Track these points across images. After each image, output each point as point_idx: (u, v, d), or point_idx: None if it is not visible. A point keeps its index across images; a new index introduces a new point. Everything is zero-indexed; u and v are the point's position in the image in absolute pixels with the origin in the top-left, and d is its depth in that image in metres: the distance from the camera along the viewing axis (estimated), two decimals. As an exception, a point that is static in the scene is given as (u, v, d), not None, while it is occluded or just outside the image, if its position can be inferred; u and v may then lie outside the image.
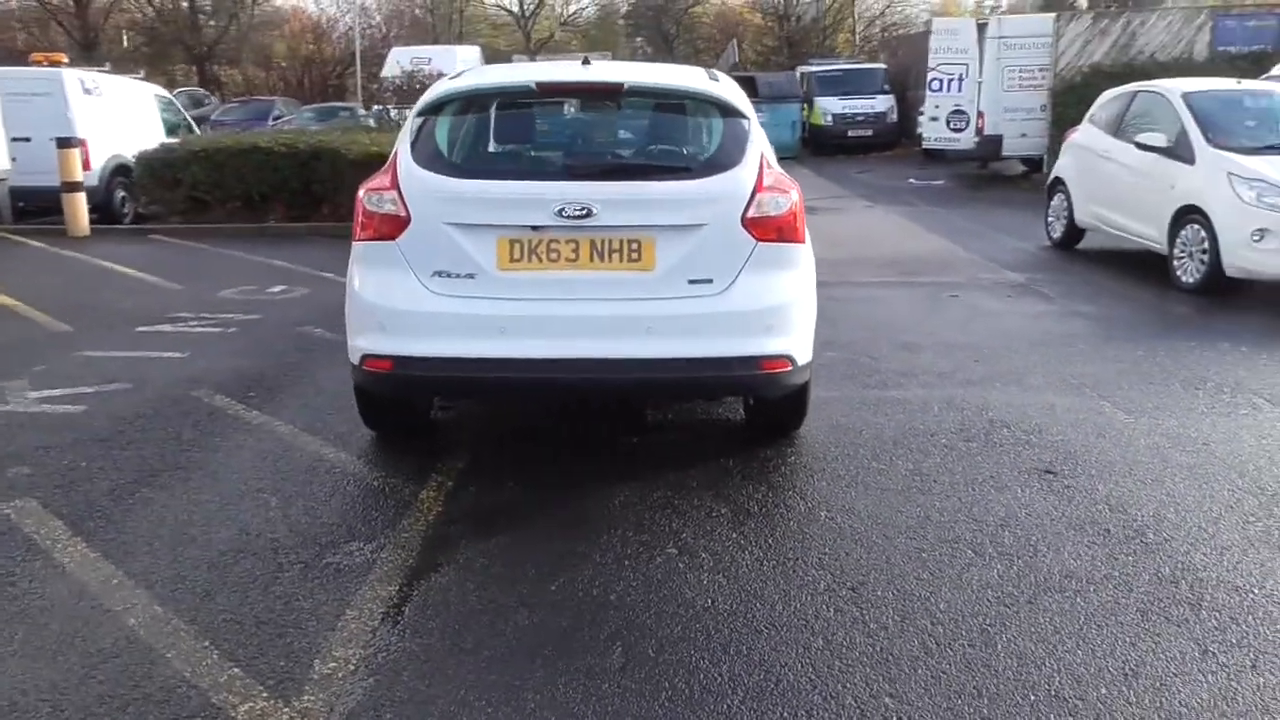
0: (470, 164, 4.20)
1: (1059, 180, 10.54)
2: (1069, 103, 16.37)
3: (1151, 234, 8.83)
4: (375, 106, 18.21)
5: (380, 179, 4.17)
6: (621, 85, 4.26)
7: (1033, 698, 2.75)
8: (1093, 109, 10.41)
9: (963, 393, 5.45)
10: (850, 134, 23.62)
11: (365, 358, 4.10)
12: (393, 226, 4.04)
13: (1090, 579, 3.40)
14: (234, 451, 4.63)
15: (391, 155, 4.32)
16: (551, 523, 3.88)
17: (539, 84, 4.27)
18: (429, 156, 4.12)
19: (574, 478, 4.31)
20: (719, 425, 5.01)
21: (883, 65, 25.03)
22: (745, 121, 4.28)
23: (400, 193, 4.03)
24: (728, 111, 4.29)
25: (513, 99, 4.35)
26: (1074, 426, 4.91)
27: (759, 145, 4.20)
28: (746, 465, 4.42)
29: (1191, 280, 8.20)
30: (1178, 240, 8.40)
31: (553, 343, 3.95)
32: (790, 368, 4.14)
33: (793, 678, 2.84)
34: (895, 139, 23.60)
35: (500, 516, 3.96)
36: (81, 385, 5.58)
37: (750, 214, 4.02)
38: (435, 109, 4.28)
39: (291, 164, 12.14)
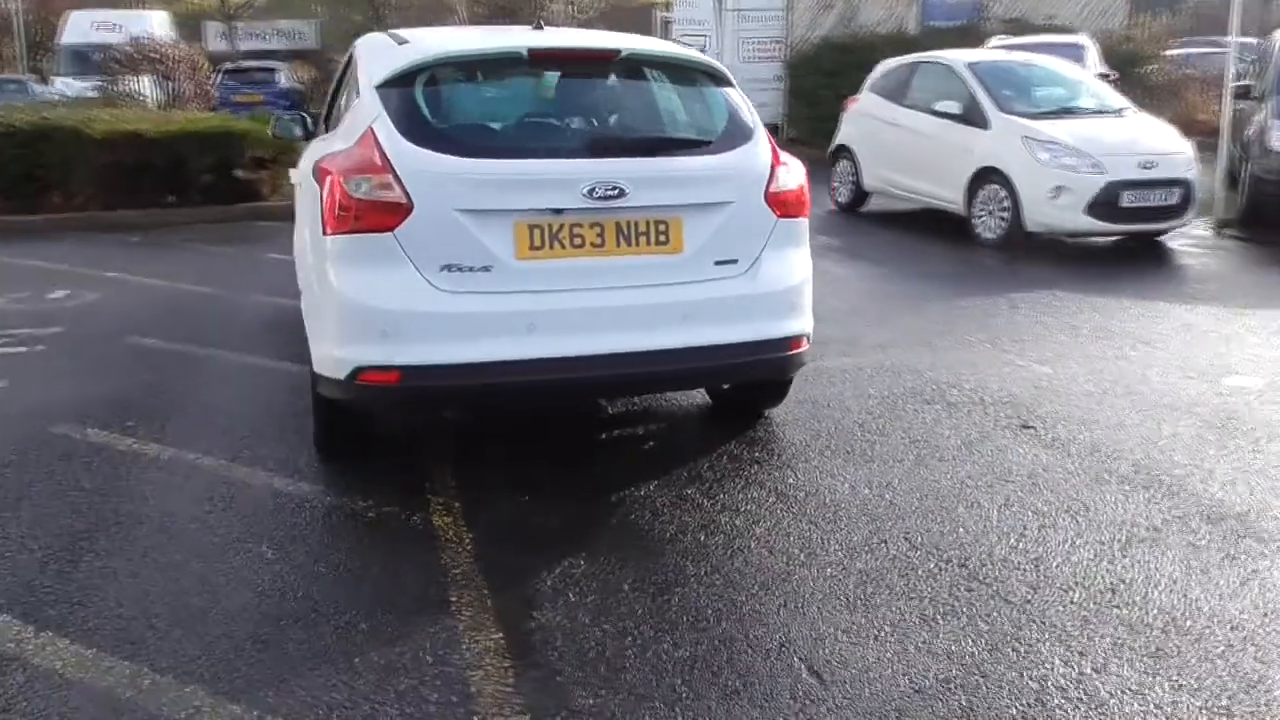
0: (477, 140, 3.67)
1: (844, 147, 11.02)
2: (804, 73, 17.31)
3: (946, 195, 9.43)
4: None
5: (354, 159, 3.54)
6: (618, 52, 3.89)
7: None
8: (872, 78, 10.95)
9: (887, 358, 5.56)
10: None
11: (361, 370, 3.51)
12: (388, 215, 3.46)
13: (1156, 526, 3.54)
14: (166, 495, 3.84)
15: (353, 130, 3.70)
16: (600, 533, 3.52)
17: (531, 50, 3.80)
18: (422, 132, 3.55)
19: (574, 481, 3.96)
20: (680, 412, 4.78)
21: (606, 36, 25.13)
22: (736, 92, 4.06)
23: (396, 175, 3.45)
24: (721, 81, 4.04)
25: (500, 67, 3.85)
26: (1011, 381, 5.12)
27: (757, 117, 4.00)
28: (751, 449, 4.25)
29: (992, 236, 8.85)
30: (976, 200, 9.03)
31: (584, 338, 3.56)
32: (807, 346, 4.02)
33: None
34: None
35: (539, 533, 3.54)
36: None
37: (771, 189, 3.83)
38: (407, 78, 3.70)
39: (9, 146, 10.37)
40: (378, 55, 4.00)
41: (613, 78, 3.96)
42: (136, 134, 10.02)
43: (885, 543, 3.44)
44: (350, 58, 4.81)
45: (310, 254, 3.84)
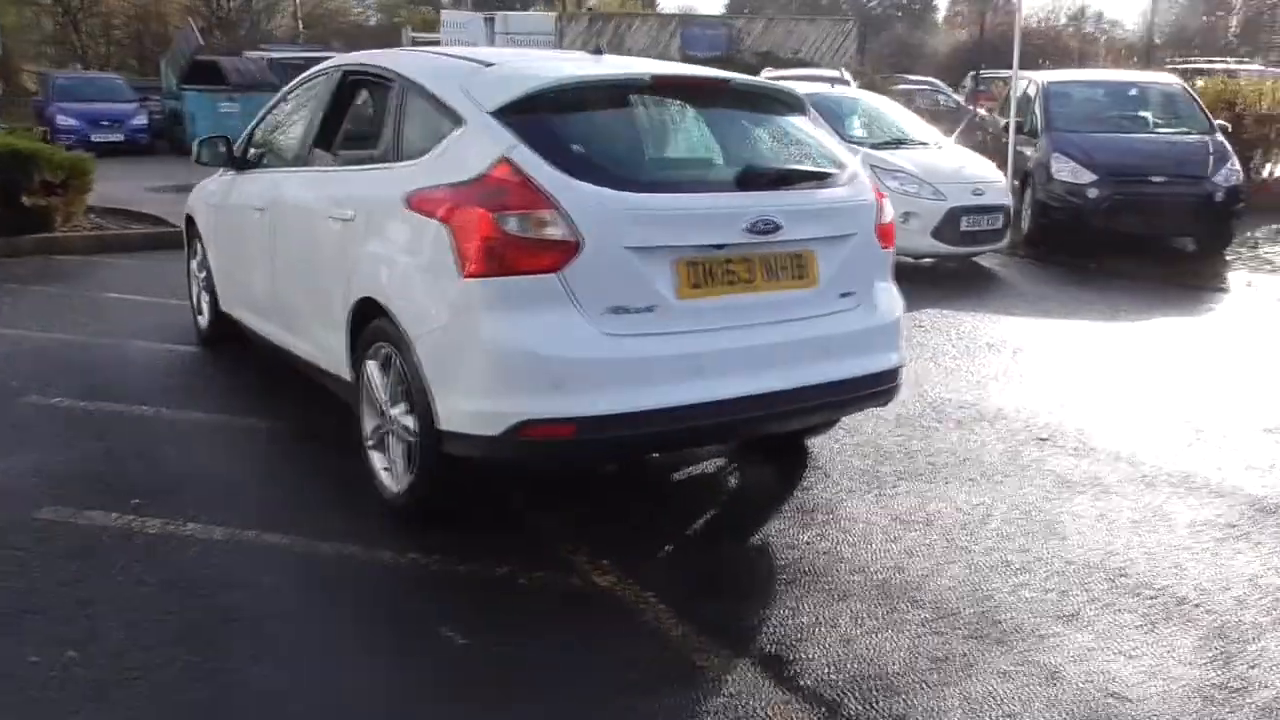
0: (632, 173, 3.43)
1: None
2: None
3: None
4: None
5: (500, 193, 3.22)
6: (727, 81, 3.79)
7: None
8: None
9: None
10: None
11: (526, 425, 3.19)
12: (555, 255, 3.18)
13: (1234, 524, 3.94)
14: (262, 583, 3.29)
15: (464, 160, 3.36)
16: (762, 571, 3.44)
17: (655, 78, 3.61)
18: (574, 164, 3.29)
19: (682, 522, 3.86)
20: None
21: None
22: (816, 119, 4.09)
23: (563, 211, 3.17)
24: (805, 109, 4.05)
25: (623, 94, 3.63)
26: (985, 395, 5.48)
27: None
28: (798, 476, 4.28)
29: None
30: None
31: (746, 378, 3.44)
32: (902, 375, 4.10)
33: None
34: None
35: (711, 580, 3.39)
36: None
37: (880, 221, 3.89)
38: (530, 105, 3.42)
39: None
40: (465, 77, 3.65)
41: (728, 108, 3.86)
42: (15, 150, 8.47)
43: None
44: (368, 77, 4.37)
45: (420, 299, 3.43)
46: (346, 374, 4.03)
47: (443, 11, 21.85)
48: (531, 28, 17.97)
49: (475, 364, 3.26)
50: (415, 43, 22.40)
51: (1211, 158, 10.26)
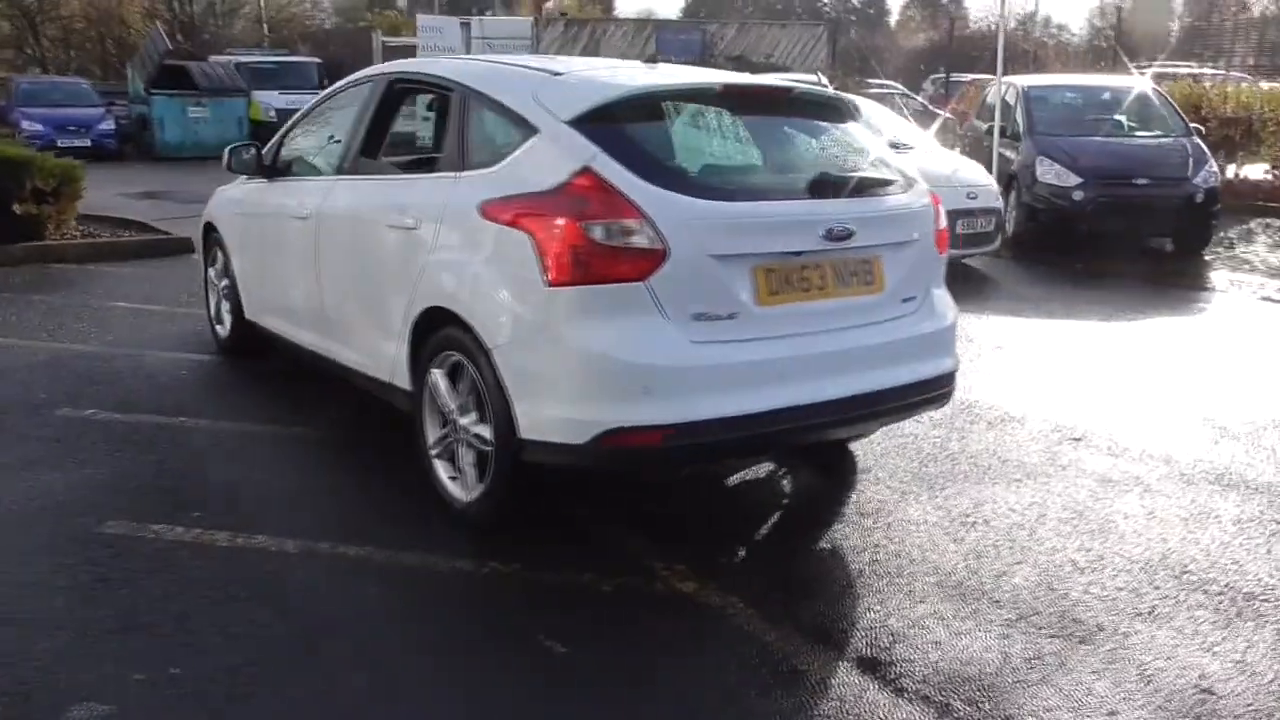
0: (712, 181, 3.48)
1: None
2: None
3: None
4: None
5: (584, 202, 3.23)
6: (790, 90, 3.84)
7: None
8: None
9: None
10: (297, 130, 22.21)
11: (613, 433, 3.21)
12: (642, 263, 3.21)
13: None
14: (359, 598, 3.28)
15: (542, 168, 3.38)
16: (845, 569, 3.49)
17: (725, 86, 3.65)
18: (657, 173, 3.32)
19: (741, 526, 3.91)
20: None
21: (316, 59, 23.93)
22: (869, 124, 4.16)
23: (649, 220, 3.20)
24: (859, 116, 4.11)
25: (694, 103, 3.65)
26: (1008, 396, 5.58)
27: None
28: (849, 479, 4.35)
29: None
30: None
31: (826, 383, 3.49)
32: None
33: None
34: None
35: (791, 582, 3.43)
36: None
37: (938, 226, 3.96)
38: (608, 114, 3.44)
39: None
40: (536, 87, 3.66)
41: (791, 116, 3.91)
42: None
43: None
44: (419, 86, 4.37)
45: (500, 307, 3.42)
46: (404, 383, 4.01)
47: (419, 16, 21.72)
48: (509, 32, 17.94)
49: (561, 372, 3.28)
50: (386, 47, 22.25)
51: (1191, 160, 10.51)
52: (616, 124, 3.44)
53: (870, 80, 26.88)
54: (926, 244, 3.89)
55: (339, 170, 4.60)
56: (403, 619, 3.18)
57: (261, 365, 5.78)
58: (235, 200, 5.65)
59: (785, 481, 4.45)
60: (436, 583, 3.41)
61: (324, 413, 5.04)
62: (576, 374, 3.26)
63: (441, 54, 17.80)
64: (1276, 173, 13.47)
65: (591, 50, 18.18)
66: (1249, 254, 10.97)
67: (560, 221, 3.24)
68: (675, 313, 3.26)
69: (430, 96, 4.20)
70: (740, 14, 47.43)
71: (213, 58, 23.11)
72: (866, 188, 3.73)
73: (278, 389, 5.54)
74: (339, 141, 4.75)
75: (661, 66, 4.12)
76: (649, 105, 3.56)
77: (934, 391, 3.92)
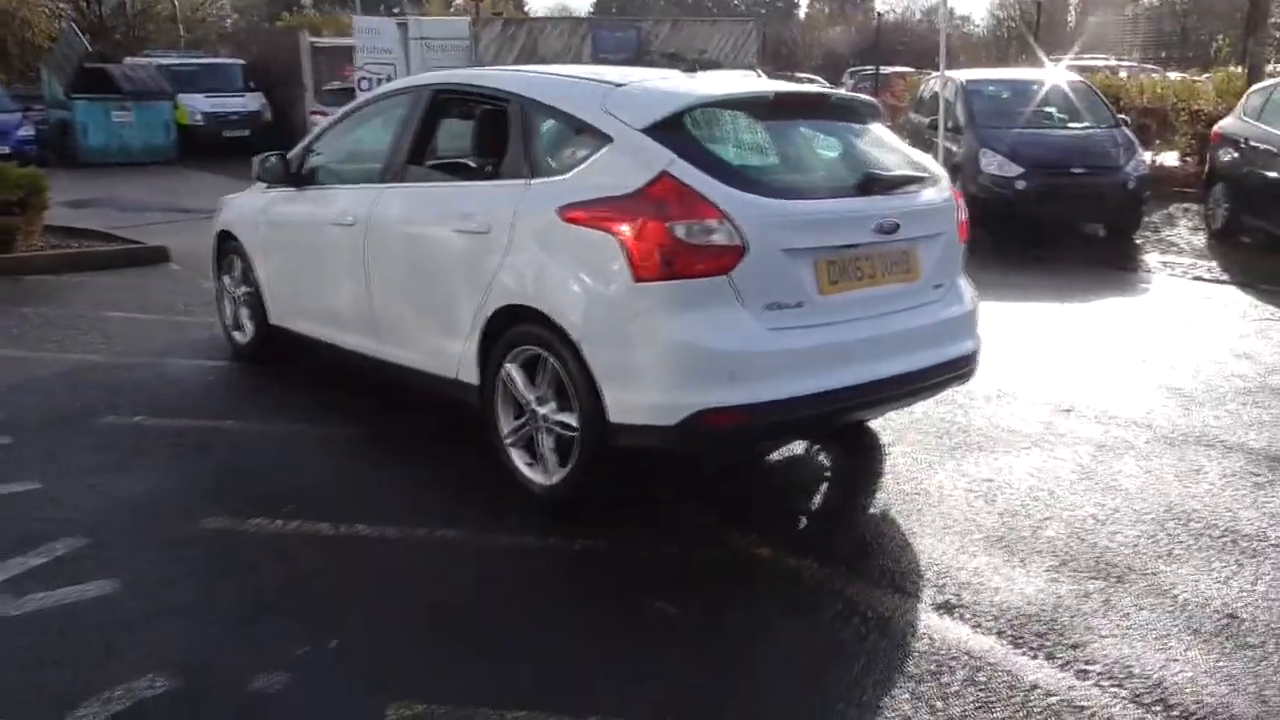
0: (777, 181, 3.84)
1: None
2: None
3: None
4: None
5: (669, 203, 3.54)
6: (828, 96, 4.21)
7: None
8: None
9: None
10: (225, 134, 21.88)
11: (703, 414, 3.53)
12: (725, 259, 3.55)
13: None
14: (470, 583, 3.54)
15: (620, 172, 3.68)
16: (910, 535, 3.87)
17: (777, 94, 4.00)
18: (729, 175, 3.66)
19: (805, 497, 4.25)
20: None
21: (240, 61, 23.56)
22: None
23: (729, 219, 3.53)
24: (882, 116, 4.50)
25: (751, 110, 3.98)
26: (996, 373, 6.04)
27: None
28: (877, 452, 4.75)
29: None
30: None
31: (880, 363, 3.88)
32: None
33: None
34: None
35: (870, 548, 3.80)
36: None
37: (961, 218, 4.36)
38: (676, 122, 3.77)
39: None
40: (603, 97, 3.95)
41: (830, 119, 4.27)
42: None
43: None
44: (470, 96, 4.61)
45: (586, 302, 3.71)
46: (472, 378, 4.26)
47: (355, 17, 21.59)
48: (447, 33, 18.02)
49: (652, 360, 3.59)
50: (315, 48, 22.05)
51: (1122, 149, 11.21)
52: (686, 131, 3.77)
53: (795, 74, 27.62)
54: (952, 235, 4.29)
55: (384, 178, 4.82)
56: (517, 590, 3.46)
57: (285, 369, 5.95)
58: (258, 208, 5.79)
59: (821, 457, 4.82)
60: (536, 559, 3.69)
61: (364, 411, 5.26)
62: (666, 361, 3.58)
63: (379, 55, 17.82)
64: (1191, 160, 14.35)
65: (530, 49, 18.39)
66: (1174, 237, 11.74)
67: (646, 222, 3.54)
68: (752, 303, 3.61)
69: (483, 107, 4.44)
70: (663, 11, 48.02)
71: (128, 60, 22.60)
72: (906, 184, 4.12)
73: (307, 391, 5.71)
74: (377, 150, 4.96)
75: (701, 75, 4.44)
76: (714, 113, 3.89)
77: (962, 369, 4.33)
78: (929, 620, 3.30)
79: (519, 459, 4.12)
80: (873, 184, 3.97)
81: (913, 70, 26.95)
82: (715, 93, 4.00)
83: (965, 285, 4.45)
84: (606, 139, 3.83)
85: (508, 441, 4.14)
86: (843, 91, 4.81)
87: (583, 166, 3.88)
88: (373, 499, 4.18)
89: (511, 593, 3.46)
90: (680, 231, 3.53)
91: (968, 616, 3.31)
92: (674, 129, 3.76)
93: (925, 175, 4.26)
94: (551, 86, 4.26)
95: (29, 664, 2.95)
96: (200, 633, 3.13)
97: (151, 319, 7.31)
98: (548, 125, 4.12)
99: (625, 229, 3.58)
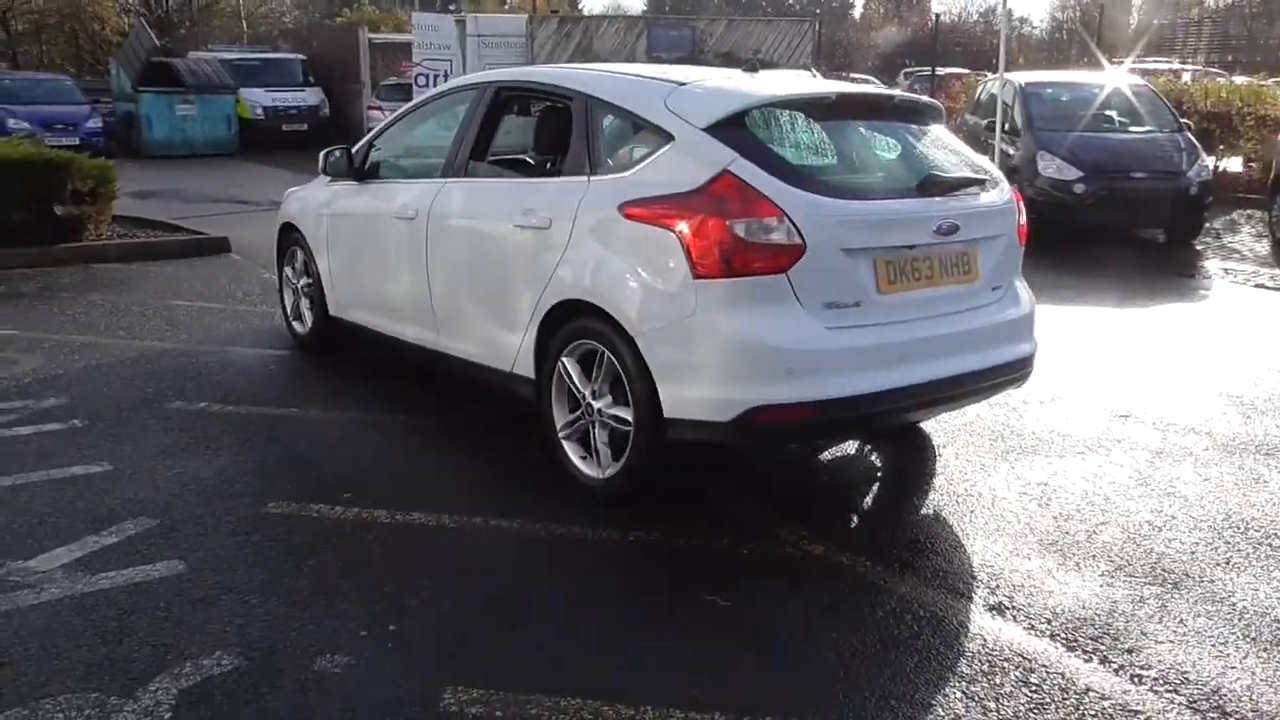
0: (838, 181, 3.85)
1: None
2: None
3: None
4: None
5: (729, 202, 3.57)
6: (892, 98, 4.21)
7: None
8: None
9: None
10: (285, 128, 22.28)
11: (759, 410, 3.56)
12: (784, 257, 3.57)
13: None
14: (525, 572, 3.61)
15: (682, 170, 3.71)
16: (963, 537, 3.86)
17: (839, 95, 4.02)
18: (790, 175, 3.68)
19: (858, 496, 4.25)
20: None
21: (301, 56, 23.96)
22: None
23: (789, 217, 3.56)
24: (944, 119, 4.49)
25: (812, 110, 4.00)
26: (1051, 377, 5.99)
27: None
28: (929, 454, 4.74)
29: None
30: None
31: (936, 364, 3.88)
32: None
33: None
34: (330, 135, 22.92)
35: (924, 548, 3.80)
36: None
37: (1020, 221, 4.34)
38: (738, 121, 3.80)
39: None
40: (665, 96, 3.98)
41: (892, 120, 4.27)
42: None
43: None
44: (533, 94, 4.68)
45: (644, 298, 3.75)
46: (528, 372, 4.33)
47: (414, 14, 21.87)
48: (503, 30, 18.17)
49: (710, 356, 3.62)
50: (372, 44, 22.37)
51: (1184, 154, 11.03)
52: (748, 130, 3.80)
53: (852, 75, 27.44)
54: (1011, 237, 4.28)
55: (446, 173, 4.90)
56: (570, 581, 3.52)
57: (344, 359, 6.07)
58: (321, 201, 5.92)
59: (872, 457, 4.83)
60: (589, 551, 3.74)
61: (421, 402, 5.35)
62: (723, 358, 3.61)
63: (437, 52, 18.03)
64: (1255, 165, 14.06)
65: (585, 46, 18.47)
66: (1236, 244, 11.53)
67: (706, 220, 3.58)
68: (810, 301, 3.62)
69: (546, 104, 4.51)
70: (718, 10, 47.97)
71: (192, 54, 23.08)
72: (966, 186, 4.11)
73: (368, 381, 5.83)
74: (440, 146, 5.05)
75: (762, 74, 4.46)
76: (776, 113, 3.90)
77: (1018, 372, 4.31)
78: (982, 621, 3.30)
79: (573, 452, 4.17)
80: (933, 185, 3.97)
81: (969, 71, 26.69)
82: (777, 93, 4.02)
83: (1023, 288, 4.43)
84: (669, 137, 3.87)
85: (562, 435, 4.20)
86: (905, 94, 4.78)
87: (644, 164, 3.92)
88: (429, 488, 4.26)
89: (565, 583, 3.52)
90: (740, 229, 3.56)
91: (1021, 618, 3.31)
92: (735, 128, 3.78)
93: (986, 177, 4.24)
94: (614, 85, 4.31)
95: (102, 639, 3.06)
96: (265, 613, 3.22)
97: (215, 308, 7.49)
98: (610, 123, 4.18)
99: (685, 226, 3.62)
